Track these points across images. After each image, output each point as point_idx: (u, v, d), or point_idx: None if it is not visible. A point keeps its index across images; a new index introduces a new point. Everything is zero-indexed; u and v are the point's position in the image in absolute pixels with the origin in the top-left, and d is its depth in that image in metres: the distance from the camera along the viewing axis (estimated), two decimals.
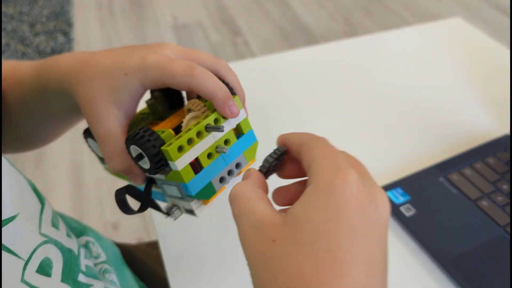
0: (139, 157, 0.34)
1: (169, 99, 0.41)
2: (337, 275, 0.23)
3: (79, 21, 2.40)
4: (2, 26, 2.31)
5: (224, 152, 0.34)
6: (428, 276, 0.49)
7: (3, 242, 0.32)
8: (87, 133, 0.40)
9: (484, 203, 0.54)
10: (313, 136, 0.30)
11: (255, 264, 0.25)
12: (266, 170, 0.31)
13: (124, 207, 0.35)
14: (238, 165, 0.36)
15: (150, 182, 0.37)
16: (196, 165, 0.33)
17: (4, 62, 0.47)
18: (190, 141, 0.33)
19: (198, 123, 0.33)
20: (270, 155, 0.31)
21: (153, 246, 0.65)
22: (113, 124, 0.35)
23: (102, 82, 0.35)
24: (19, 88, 0.44)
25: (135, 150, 0.34)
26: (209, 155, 0.34)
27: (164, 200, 0.38)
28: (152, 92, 0.41)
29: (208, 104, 0.35)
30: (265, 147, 0.64)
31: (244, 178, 0.31)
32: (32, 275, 0.34)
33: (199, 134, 0.33)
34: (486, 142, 0.62)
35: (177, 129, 0.35)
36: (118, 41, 2.23)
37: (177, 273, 0.50)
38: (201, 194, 0.34)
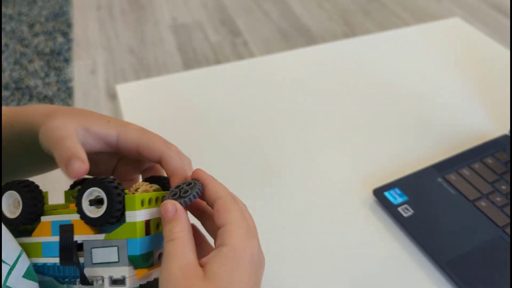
0: (94, 202, 0.33)
1: None
2: None
3: (79, 21, 2.40)
4: (1, 26, 2.30)
5: None
6: (426, 277, 0.48)
7: None
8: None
9: (482, 204, 0.53)
10: (230, 195, 0.35)
11: None
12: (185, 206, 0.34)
13: (69, 253, 0.33)
14: None
15: (75, 247, 0.34)
16: (146, 228, 0.33)
17: None
18: (150, 201, 0.34)
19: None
20: (193, 195, 0.34)
21: None
22: (72, 130, 0.34)
23: (82, 115, 0.37)
24: None
25: (91, 193, 0.33)
26: (158, 226, 0.34)
27: (76, 275, 0.34)
28: (74, 186, 0.40)
29: (156, 189, 0.36)
30: (264, 148, 0.64)
31: (171, 216, 0.33)
32: (18, 280, 0.33)
33: (157, 200, 0.35)
34: (484, 142, 0.61)
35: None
36: (118, 42, 2.23)
37: None
38: (143, 259, 0.32)
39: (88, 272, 0.33)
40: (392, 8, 2.42)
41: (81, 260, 0.34)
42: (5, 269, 0.32)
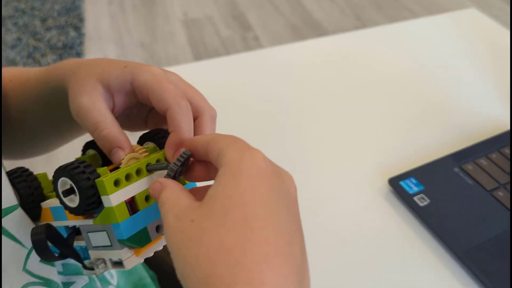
0: (68, 192, 0.30)
1: (103, 158, 0.39)
2: (258, 241, 0.23)
3: (90, 16, 2.41)
4: (14, 20, 2.32)
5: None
6: (443, 267, 0.48)
7: (8, 229, 0.32)
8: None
9: (500, 194, 0.52)
10: (218, 133, 0.31)
11: (177, 249, 0.25)
12: (173, 177, 0.30)
13: (44, 252, 0.30)
14: None
15: (73, 232, 0.33)
16: (131, 206, 0.31)
17: (15, 68, 0.47)
18: (128, 177, 0.30)
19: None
20: (174, 163, 0.30)
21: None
22: (98, 97, 0.34)
23: (97, 66, 0.35)
24: (23, 89, 0.44)
25: (63, 183, 0.30)
26: (147, 198, 0.31)
27: (87, 257, 0.33)
28: (84, 152, 0.40)
29: (150, 150, 0.34)
30: (279, 137, 0.64)
31: (160, 189, 0.29)
32: (35, 264, 0.33)
33: (138, 172, 0.31)
34: (502, 132, 0.61)
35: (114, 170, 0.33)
36: (129, 36, 2.24)
37: None
38: (134, 240, 0.30)
39: (92, 254, 0.32)
40: (404, 3, 2.40)
41: (83, 243, 0.33)
42: (23, 252, 0.32)
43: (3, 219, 0.32)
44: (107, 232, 0.30)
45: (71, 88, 0.35)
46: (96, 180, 0.29)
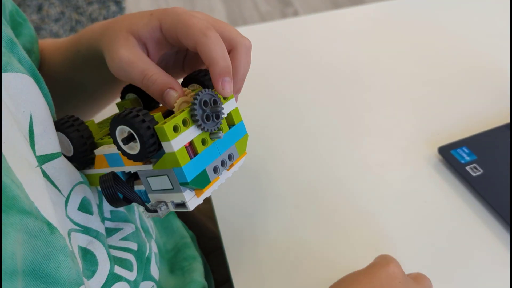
0: (127, 140, 0.31)
1: (144, 101, 0.39)
2: None
3: None
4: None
5: (219, 137, 0.32)
6: (495, 238, 0.46)
7: (50, 175, 0.32)
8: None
9: None
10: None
11: None
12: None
13: (114, 199, 0.31)
14: (230, 157, 0.34)
15: (131, 177, 0.34)
16: (190, 150, 0.31)
17: (46, 39, 0.49)
18: (185, 122, 0.30)
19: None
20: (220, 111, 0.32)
21: (204, 201, 0.65)
22: (136, 48, 0.34)
23: (126, 19, 0.35)
24: (55, 57, 0.45)
25: (121, 131, 0.31)
26: (203, 141, 0.32)
27: (146, 200, 0.34)
28: (123, 96, 0.40)
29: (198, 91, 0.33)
30: (324, 104, 0.62)
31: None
32: (74, 212, 0.34)
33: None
34: None
35: (167, 116, 0.33)
36: None
37: (228, 229, 0.49)
38: (196, 182, 0.31)
39: (152, 197, 0.33)
40: None
41: (142, 187, 0.33)
42: (61, 200, 0.33)
43: (46, 164, 0.32)
44: (168, 176, 0.31)
45: (105, 47, 0.35)
46: (156, 127, 0.30)
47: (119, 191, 0.32)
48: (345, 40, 0.73)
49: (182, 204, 0.32)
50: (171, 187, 0.31)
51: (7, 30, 0.34)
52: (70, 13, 2.25)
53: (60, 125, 0.35)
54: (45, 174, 0.32)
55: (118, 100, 0.42)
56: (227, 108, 0.34)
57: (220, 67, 0.31)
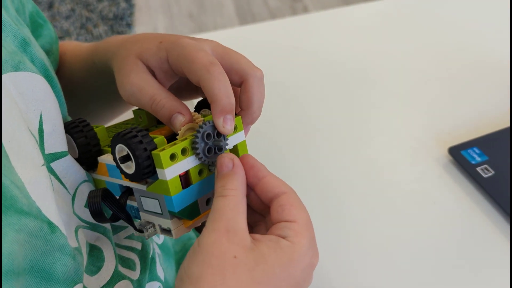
0: (124, 159, 0.31)
1: None
2: None
3: None
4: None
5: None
6: (507, 242, 0.45)
7: (57, 173, 0.33)
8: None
9: None
10: (295, 192, 0.31)
11: (203, 255, 0.27)
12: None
13: (98, 215, 0.32)
14: None
15: (126, 192, 0.34)
16: (184, 180, 0.30)
17: (71, 42, 0.50)
18: (184, 151, 0.30)
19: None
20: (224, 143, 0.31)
21: None
22: (145, 73, 0.34)
23: (137, 42, 0.36)
24: (75, 62, 0.46)
25: (120, 150, 0.30)
26: (200, 172, 0.31)
27: (137, 217, 0.34)
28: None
29: (208, 118, 0.33)
30: (332, 102, 0.61)
31: (227, 172, 0.30)
32: (81, 209, 0.35)
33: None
34: None
35: (171, 139, 0.32)
36: (178, 7, 2.24)
37: None
38: (185, 213, 0.30)
39: (143, 216, 0.33)
40: None
41: (135, 204, 0.33)
42: (68, 197, 0.34)
43: (54, 162, 0.33)
44: (159, 201, 0.31)
45: (116, 70, 0.36)
46: (152, 152, 0.29)
47: (107, 208, 0.32)
48: (354, 37, 0.72)
49: (168, 231, 0.31)
50: (160, 212, 0.31)
51: (23, 30, 0.34)
52: (81, 10, 2.26)
53: (70, 129, 0.35)
54: (53, 172, 0.33)
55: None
56: (234, 140, 0.33)
57: (222, 104, 0.31)
